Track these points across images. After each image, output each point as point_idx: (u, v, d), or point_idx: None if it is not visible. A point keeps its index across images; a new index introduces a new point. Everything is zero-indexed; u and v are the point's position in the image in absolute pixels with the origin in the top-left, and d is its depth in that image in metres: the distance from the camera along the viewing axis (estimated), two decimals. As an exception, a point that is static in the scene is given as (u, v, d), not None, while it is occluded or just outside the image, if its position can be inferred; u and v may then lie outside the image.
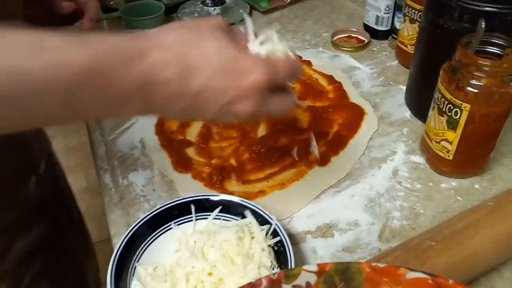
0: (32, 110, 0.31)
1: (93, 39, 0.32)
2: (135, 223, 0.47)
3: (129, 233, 0.46)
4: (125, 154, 0.62)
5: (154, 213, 0.48)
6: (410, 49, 0.73)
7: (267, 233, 0.45)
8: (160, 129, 0.66)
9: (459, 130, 0.52)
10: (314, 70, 0.76)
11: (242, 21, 0.92)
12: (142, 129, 0.66)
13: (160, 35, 0.36)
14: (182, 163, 0.60)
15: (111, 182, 0.58)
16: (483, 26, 0.49)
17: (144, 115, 0.39)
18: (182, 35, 0.36)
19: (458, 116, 0.51)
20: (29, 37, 0.30)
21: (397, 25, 0.79)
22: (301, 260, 0.48)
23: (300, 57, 0.79)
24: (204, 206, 0.49)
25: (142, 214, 0.50)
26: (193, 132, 0.65)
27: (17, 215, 0.57)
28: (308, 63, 0.78)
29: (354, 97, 0.70)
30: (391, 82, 0.75)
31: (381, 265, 0.31)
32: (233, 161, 0.60)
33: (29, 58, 0.29)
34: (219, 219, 0.49)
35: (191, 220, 0.49)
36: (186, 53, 0.35)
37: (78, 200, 0.83)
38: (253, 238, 0.45)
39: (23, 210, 0.59)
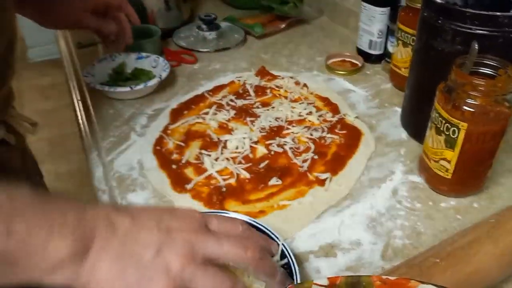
0: None
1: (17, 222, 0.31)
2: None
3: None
4: (123, 175, 0.61)
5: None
6: (404, 72, 0.75)
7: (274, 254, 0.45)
8: (158, 149, 0.65)
9: (457, 149, 0.52)
10: (311, 93, 0.78)
11: (238, 45, 0.95)
12: (140, 149, 0.66)
13: (96, 267, 0.34)
14: (181, 184, 0.59)
15: (110, 204, 0.57)
16: (476, 48, 0.51)
17: None
18: (122, 272, 0.34)
19: (456, 135, 0.52)
20: None
21: (390, 49, 0.81)
22: (305, 280, 0.47)
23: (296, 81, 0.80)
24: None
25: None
26: (192, 152, 0.65)
27: None
28: (304, 85, 0.79)
29: (351, 118, 0.71)
30: (386, 104, 0.76)
31: (391, 278, 0.31)
32: (232, 181, 0.59)
33: None
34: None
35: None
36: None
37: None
38: None
39: None
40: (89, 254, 0.33)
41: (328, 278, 0.30)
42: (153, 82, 0.75)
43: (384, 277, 0.30)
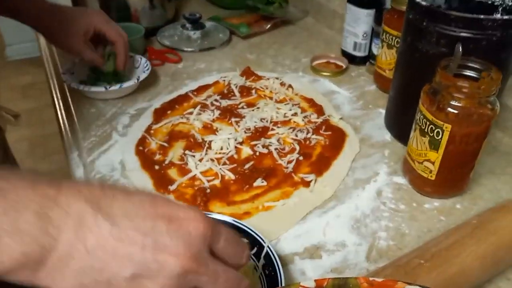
0: None
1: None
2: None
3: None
4: (105, 176, 0.60)
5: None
6: (388, 74, 0.75)
7: (258, 255, 0.44)
8: (141, 149, 0.64)
9: (441, 150, 0.53)
10: (296, 94, 0.77)
11: (223, 45, 0.94)
12: (122, 149, 0.65)
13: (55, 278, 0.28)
14: (164, 185, 0.58)
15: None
16: (460, 50, 0.51)
17: None
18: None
19: (440, 137, 0.52)
20: None
21: (375, 50, 0.81)
22: (290, 282, 0.47)
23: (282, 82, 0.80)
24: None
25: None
26: (176, 152, 0.64)
27: None
28: (289, 86, 0.79)
29: (335, 119, 0.71)
30: (370, 106, 0.76)
31: (378, 279, 0.30)
32: (217, 182, 0.59)
33: None
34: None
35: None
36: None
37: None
38: None
39: None
40: (46, 264, 0.27)
41: (315, 280, 0.30)
42: (129, 84, 0.74)
43: (371, 278, 0.30)
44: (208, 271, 0.30)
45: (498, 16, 0.61)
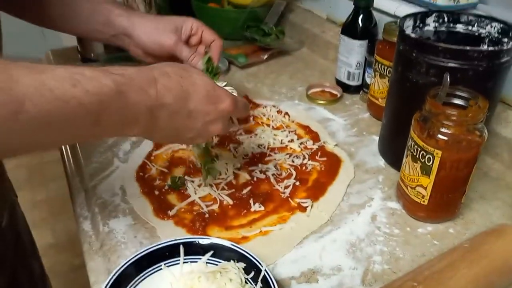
0: (70, 130, 0.37)
1: (115, 70, 0.41)
2: (120, 266, 0.46)
3: (114, 275, 0.45)
4: (106, 201, 0.61)
5: (137, 256, 0.47)
6: (381, 102, 0.78)
7: (256, 280, 0.45)
8: (141, 175, 0.66)
9: (433, 176, 0.54)
10: (292, 121, 0.80)
11: (222, 74, 0.97)
12: (123, 176, 0.66)
13: (161, 67, 0.46)
14: (164, 210, 0.59)
15: (91, 229, 0.57)
16: (448, 79, 0.54)
17: (143, 135, 0.47)
18: (176, 69, 0.47)
19: (431, 162, 0.54)
20: (67, 71, 0.36)
21: (368, 80, 0.84)
22: (287, 305, 0.48)
23: (279, 110, 0.83)
24: (191, 250, 0.49)
25: (123, 261, 0.49)
26: (175, 179, 0.65)
27: None
28: (286, 114, 0.81)
29: (331, 146, 0.73)
30: (364, 133, 0.78)
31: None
32: (215, 207, 0.60)
33: (72, 87, 0.36)
34: (210, 263, 0.49)
35: (178, 264, 0.48)
36: (182, 82, 0.46)
37: (43, 257, 0.80)
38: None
39: None
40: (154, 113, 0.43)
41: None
42: None
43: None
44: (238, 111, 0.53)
45: (484, 47, 0.64)
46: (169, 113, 0.45)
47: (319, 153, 0.71)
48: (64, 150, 0.73)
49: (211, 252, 0.49)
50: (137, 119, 0.42)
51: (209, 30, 0.73)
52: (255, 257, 0.47)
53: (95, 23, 0.68)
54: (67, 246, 1.73)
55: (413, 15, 0.66)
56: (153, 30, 0.68)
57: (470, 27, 0.66)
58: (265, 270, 0.46)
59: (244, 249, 0.48)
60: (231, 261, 0.48)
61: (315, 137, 0.75)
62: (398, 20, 0.64)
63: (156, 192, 0.63)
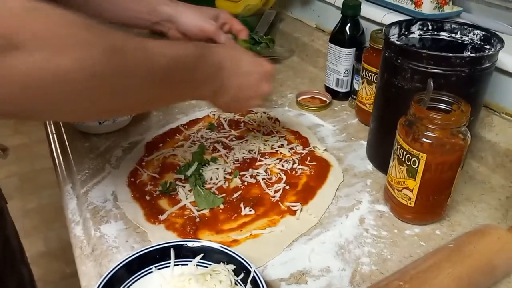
0: (169, 85, 0.49)
1: (190, 43, 0.57)
2: (111, 269, 0.46)
3: (105, 278, 0.45)
4: (98, 206, 0.62)
5: (128, 259, 0.48)
6: (369, 108, 0.79)
7: (245, 281, 0.46)
8: (133, 181, 0.66)
9: (418, 178, 0.56)
10: (282, 127, 0.81)
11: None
12: (115, 181, 0.67)
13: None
14: (155, 215, 0.60)
15: (83, 234, 0.58)
16: (431, 85, 0.56)
17: (213, 97, 0.59)
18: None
19: (416, 165, 0.55)
20: (160, 41, 0.46)
21: (356, 86, 0.86)
22: (276, 306, 0.48)
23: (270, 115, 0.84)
24: (181, 253, 0.50)
25: (114, 265, 0.49)
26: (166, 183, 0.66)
27: None
28: (276, 120, 0.83)
29: (320, 151, 0.74)
30: (352, 138, 0.80)
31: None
32: (206, 212, 0.61)
33: (174, 50, 0.48)
34: (200, 265, 0.50)
35: (169, 266, 0.49)
36: (233, 52, 0.60)
37: (34, 265, 0.80)
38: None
39: None
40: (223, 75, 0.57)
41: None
42: (122, 118, 0.77)
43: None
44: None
45: (467, 54, 0.66)
46: (230, 75, 0.57)
47: (309, 158, 0.72)
48: (56, 157, 0.74)
49: (201, 254, 0.50)
50: (207, 79, 0.54)
51: (237, 21, 0.83)
52: (244, 258, 0.48)
53: (139, 12, 0.75)
54: (59, 254, 1.72)
55: (398, 23, 0.68)
56: (197, 17, 0.77)
57: (453, 35, 0.68)
58: (254, 271, 0.46)
59: (233, 251, 0.49)
60: (221, 263, 0.48)
61: (304, 142, 0.76)
62: (384, 28, 0.66)
63: (148, 197, 0.63)
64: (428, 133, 0.54)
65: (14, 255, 0.73)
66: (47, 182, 1.95)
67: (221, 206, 0.62)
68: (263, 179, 0.67)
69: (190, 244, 0.50)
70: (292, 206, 0.62)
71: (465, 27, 0.67)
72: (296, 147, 0.75)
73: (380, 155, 0.70)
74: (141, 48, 0.42)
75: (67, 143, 0.76)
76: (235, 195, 0.63)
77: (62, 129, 0.80)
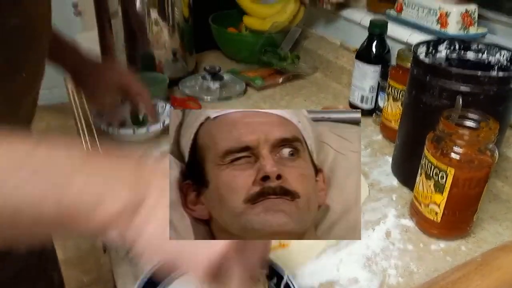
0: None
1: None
2: (148, 270, 0.48)
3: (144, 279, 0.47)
4: (131, 211, 0.64)
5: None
6: (394, 124, 0.81)
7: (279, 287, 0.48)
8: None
9: (446, 193, 0.57)
10: (308, 140, 0.83)
11: (239, 95, 1.01)
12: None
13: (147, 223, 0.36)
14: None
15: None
16: (460, 102, 0.57)
17: None
18: None
19: (444, 180, 0.56)
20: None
21: (381, 103, 0.88)
22: (306, 312, 0.50)
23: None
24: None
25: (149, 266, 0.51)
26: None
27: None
28: (302, 134, 0.85)
29: (346, 165, 0.76)
30: (377, 154, 0.81)
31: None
32: (236, 220, 0.63)
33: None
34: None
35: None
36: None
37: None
38: None
39: (6, 272, 0.59)
40: (141, 210, 0.34)
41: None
42: (156, 127, 0.80)
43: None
44: None
45: (494, 73, 0.67)
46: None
47: (335, 172, 0.73)
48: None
49: None
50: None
51: (135, 83, 0.80)
52: (278, 265, 0.50)
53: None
54: (75, 263, 1.74)
55: (426, 42, 0.70)
56: (95, 89, 0.77)
57: (480, 55, 0.70)
58: (287, 276, 0.48)
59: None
60: (254, 268, 0.50)
61: (330, 156, 0.78)
62: (413, 46, 0.68)
63: (179, 204, 0.65)
64: (456, 149, 0.55)
65: (48, 258, 0.75)
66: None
67: (251, 215, 0.63)
68: (290, 190, 0.68)
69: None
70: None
71: (492, 47, 0.69)
72: (322, 160, 0.76)
73: (405, 170, 0.71)
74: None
75: (100, 151, 0.79)
76: (264, 205, 0.65)
77: (96, 137, 0.83)
